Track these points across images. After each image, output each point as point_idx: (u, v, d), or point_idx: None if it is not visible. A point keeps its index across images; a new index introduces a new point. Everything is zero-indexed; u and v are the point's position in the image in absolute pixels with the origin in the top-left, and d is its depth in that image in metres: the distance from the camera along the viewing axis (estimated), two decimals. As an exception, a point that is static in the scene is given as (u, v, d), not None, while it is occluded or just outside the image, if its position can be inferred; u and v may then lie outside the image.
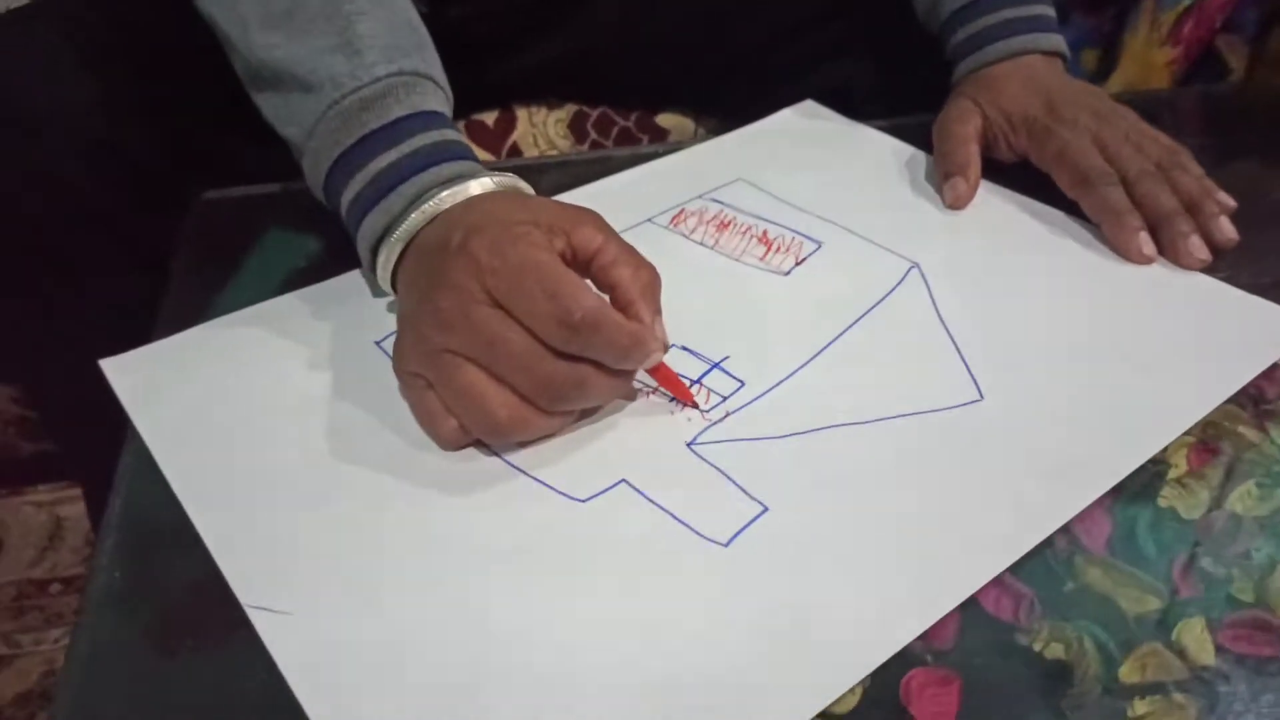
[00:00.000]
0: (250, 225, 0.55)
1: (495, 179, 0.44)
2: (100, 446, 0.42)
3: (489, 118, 0.80)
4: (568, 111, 0.83)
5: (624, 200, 0.56)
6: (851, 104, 0.67)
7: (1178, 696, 0.33)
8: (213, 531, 0.37)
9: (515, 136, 0.81)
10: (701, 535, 0.36)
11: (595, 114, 0.83)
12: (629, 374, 0.41)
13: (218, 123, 0.57)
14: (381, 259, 0.43)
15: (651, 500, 0.38)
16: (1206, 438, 0.42)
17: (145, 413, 0.42)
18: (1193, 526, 0.39)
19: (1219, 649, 0.34)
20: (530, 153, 0.80)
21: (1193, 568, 0.37)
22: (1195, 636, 0.35)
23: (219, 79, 0.57)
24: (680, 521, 0.37)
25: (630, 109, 0.83)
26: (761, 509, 0.37)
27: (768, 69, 0.75)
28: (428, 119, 0.45)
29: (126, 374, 0.44)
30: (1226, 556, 0.38)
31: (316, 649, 0.33)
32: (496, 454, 0.40)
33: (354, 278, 0.50)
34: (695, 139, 0.84)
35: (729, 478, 0.39)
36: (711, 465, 0.39)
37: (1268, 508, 0.39)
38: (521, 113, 0.81)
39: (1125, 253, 0.51)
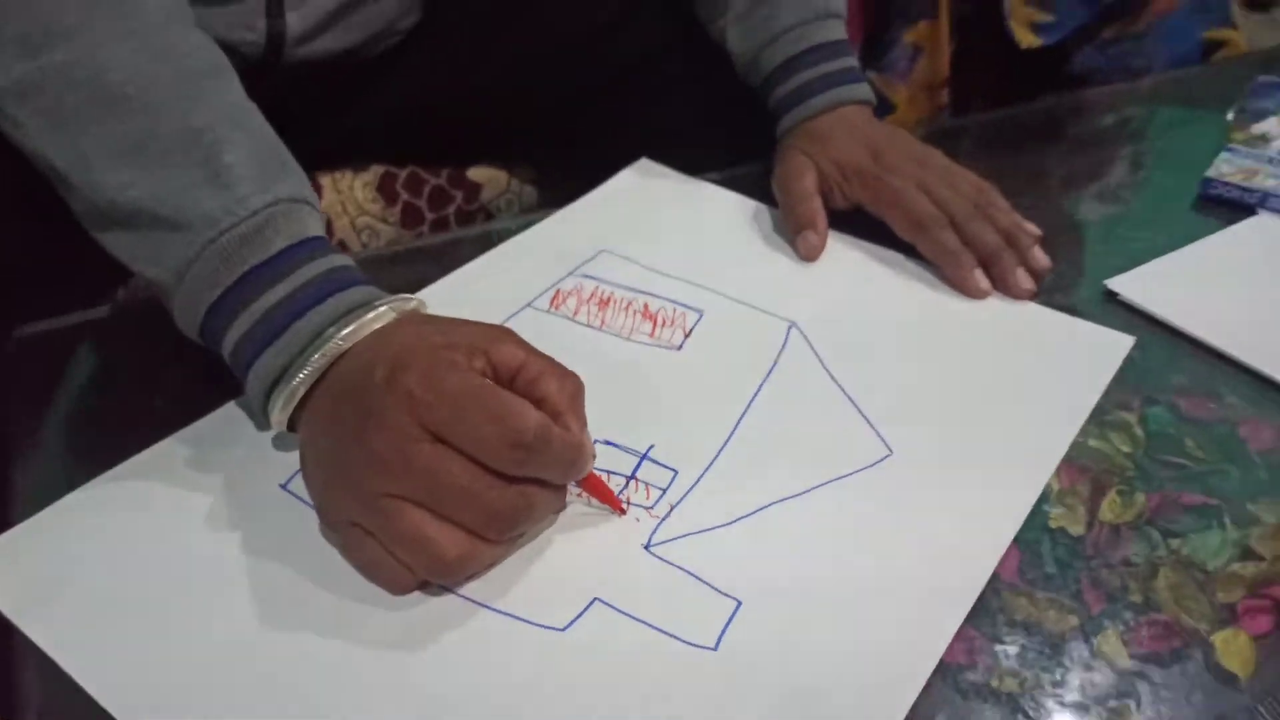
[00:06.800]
0: (80, 361, 0.49)
1: (394, 306, 0.42)
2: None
3: (293, 190, 0.75)
4: (374, 174, 0.79)
5: (494, 286, 0.54)
6: (674, 148, 0.69)
7: (1112, 703, 0.38)
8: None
9: (323, 205, 0.76)
10: (690, 644, 0.37)
11: (404, 174, 0.80)
12: (564, 488, 0.41)
13: (25, 249, 0.50)
14: (280, 401, 0.40)
15: (631, 616, 0.38)
16: (1070, 455, 0.48)
17: (35, 615, 0.37)
18: (1082, 542, 0.44)
19: (1131, 654, 0.40)
20: (340, 221, 0.76)
21: (1093, 582, 0.42)
22: (1111, 645, 0.40)
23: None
24: (666, 634, 0.37)
25: (440, 165, 0.81)
26: (736, 604, 0.39)
27: (583, 117, 0.76)
28: (311, 246, 0.43)
29: (-2, 573, 0.38)
30: (1115, 566, 0.43)
31: None
32: (451, 591, 0.39)
33: (230, 414, 0.46)
34: (509, 190, 0.84)
35: (696, 577, 0.40)
36: (675, 566, 0.40)
37: (1131, 513, 0.45)
38: (325, 180, 0.77)
39: (964, 289, 0.56)
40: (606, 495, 0.42)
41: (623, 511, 0.42)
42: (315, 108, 0.71)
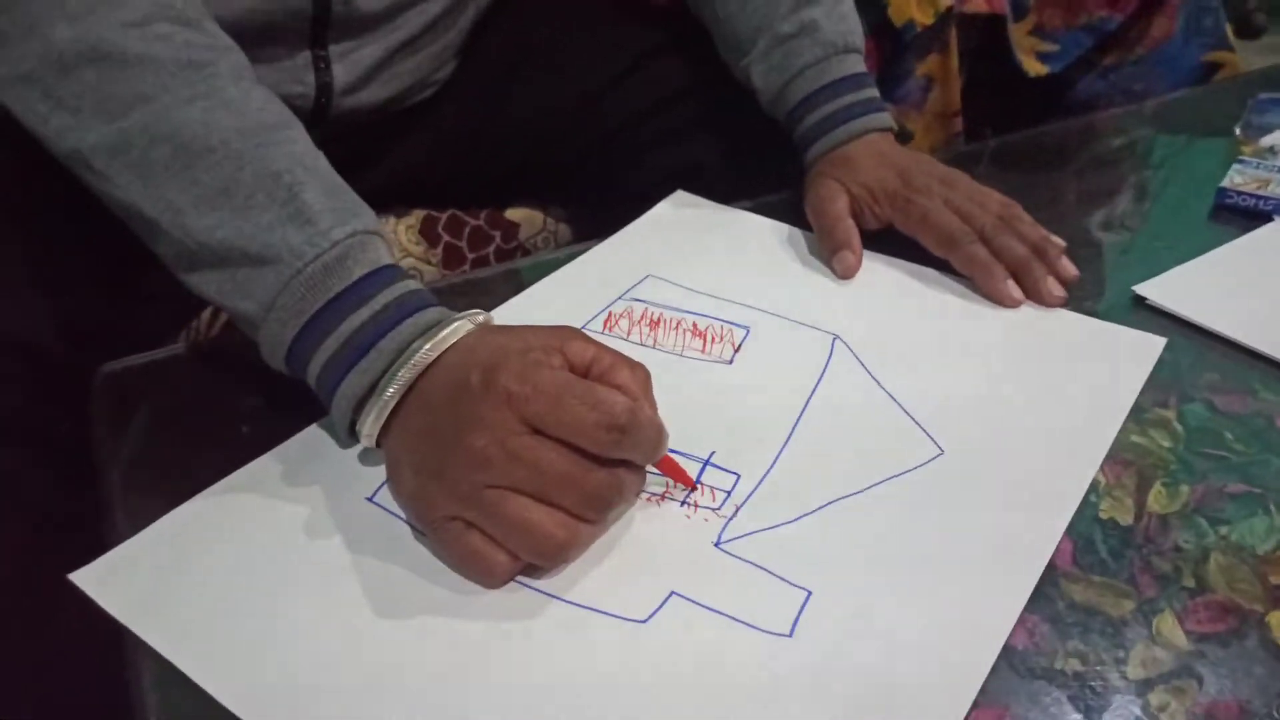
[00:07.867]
0: (164, 392, 0.51)
1: (468, 319, 0.44)
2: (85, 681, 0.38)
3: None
4: (417, 217, 0.83)
5: (549, 312, 0.57)
6: (702, 182, 0.72)
7: (1176, 682, 0.39)
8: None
9: (368, 248, 0.79)
10: (766, 632, 0.39)
11: (444, 216, 0.83)
12: (644, 470, 0.43)
13: (106, 293, 0.53)
14: (372, 416, 0.43)
15: (708, 608, 0.40)
16: (1113, 451, 0.49)
17: (151, 623, 0.38)
18: (1132, 531, 0.46)
19: (1189, 633, 0.41)
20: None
21: (1146, 567, 0.44)
22: (1169, 627, 0.41)
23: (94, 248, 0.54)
24: (742, 623, 0.39)
25: (479, 207, 0.84)
26: (806, 594, 0.40)
27: (613, 156, 0.79)
28: (388, 273, 0.45)
29: (108, 585, 0.40)
30: (1166, 552, 0.45)
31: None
32: (538, 589, 0.40)
33: (314, 435, 0.48)
34: (544, 229, 0.87)
35: (766, 570, 0.41)
36: (745, 561, 0.42)
37: (1178, 503, 0.47)
38: (370, 224, 0.80)
39: (998, 299, 0.58)
40: (680, 473, 0.45)
41: (694, 486, 0.45)
42: (360, 156, 0.74)
